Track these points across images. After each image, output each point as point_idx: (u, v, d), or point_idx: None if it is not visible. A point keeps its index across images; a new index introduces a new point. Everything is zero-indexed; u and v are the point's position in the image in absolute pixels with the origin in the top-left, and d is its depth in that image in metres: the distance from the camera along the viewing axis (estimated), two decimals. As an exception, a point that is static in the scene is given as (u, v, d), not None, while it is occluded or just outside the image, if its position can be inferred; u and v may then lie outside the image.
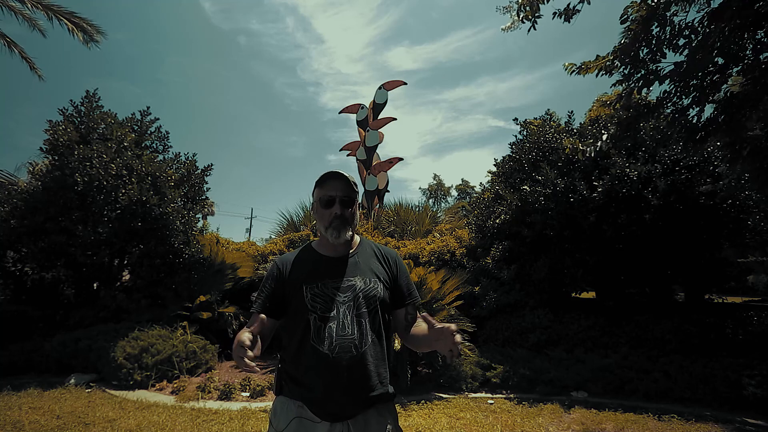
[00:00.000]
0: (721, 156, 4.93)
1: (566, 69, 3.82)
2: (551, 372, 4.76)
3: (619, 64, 3.60)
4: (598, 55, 3.74)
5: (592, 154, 4.36)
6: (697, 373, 4.38)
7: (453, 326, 1.09)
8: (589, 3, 3.47)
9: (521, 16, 3.61)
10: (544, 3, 3.53)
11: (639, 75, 3.54)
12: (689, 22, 3.26)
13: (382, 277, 1.37)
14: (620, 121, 4.20)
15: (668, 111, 3.81)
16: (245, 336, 1.01)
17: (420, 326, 1.37)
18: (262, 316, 1.18)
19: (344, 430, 1.22)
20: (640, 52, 3.47)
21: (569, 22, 3.61)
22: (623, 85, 3.72)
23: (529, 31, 3.66)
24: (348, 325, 1.25)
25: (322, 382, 1.22)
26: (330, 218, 1.33)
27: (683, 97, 3.57)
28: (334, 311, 1.26)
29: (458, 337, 1.07)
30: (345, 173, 1.35)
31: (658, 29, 3.35)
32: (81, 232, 5.62)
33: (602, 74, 3.71)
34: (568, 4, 3.57)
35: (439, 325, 1.12)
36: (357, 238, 1.46)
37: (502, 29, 3.81)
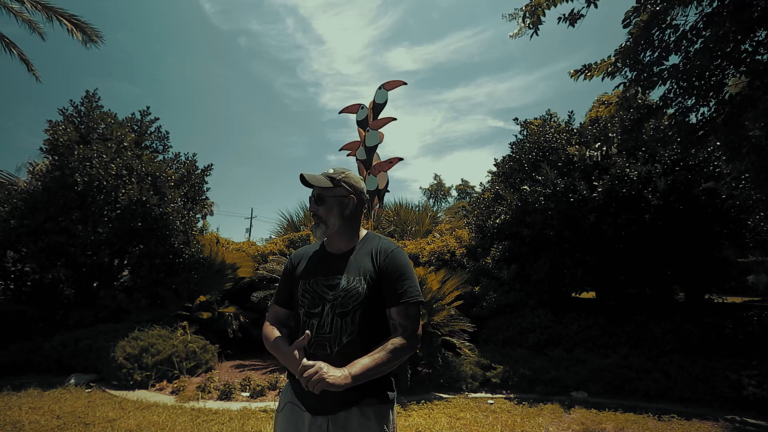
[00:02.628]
0: (720, 154, 4.95)
1: (571, 76, 3.85)
2: (551, 372, 4.76)
3: (621, 67, 3.62)
4: (602, 59, 3.76)
5: (599, 159, 4.40)
6: (697, 373, 4.38)
7: (312, 370, 1.10)
8: (596, 6, 3.48)
9: (527, 23, 3.64)
10: (549, 9, 3.54)
11: (642, 77, 3.55)
12: (691, 25, 3.28)
13: (367, 276, 1.32)
14: (623, 125, 4.22)
15: (671, 112, 3.82)
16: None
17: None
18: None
19: (324, 425, 1.26)
20: (643, 54, 3.48)
21: (574, 26, 3.62)
22: (625, 87, 3.74)
23: (531, 37, 3.69)
24: (327, 324, 1.28)
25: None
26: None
27: (686, 97, 3.58)
28: (319, 308, 1.31)
29: (312, 381, 1.09)
30: (309, 174, 1.38)
31: (659, 32, 3.36)
32: (81, 232, 5.62)
33: (606, 78, 3.73)
34: (573, 9, 3.58)
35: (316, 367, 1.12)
36: (363, 232, 1.47)
37: (509, 36, 3.84)
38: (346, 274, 1.34)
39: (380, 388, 1.30)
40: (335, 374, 1.10)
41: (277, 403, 1.48)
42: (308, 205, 1.45)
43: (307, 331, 1.25)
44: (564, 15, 3.59)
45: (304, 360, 1.15)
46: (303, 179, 1.38)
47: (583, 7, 3.53)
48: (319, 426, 1.25)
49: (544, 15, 3.57)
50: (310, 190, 1.42)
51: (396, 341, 1.24)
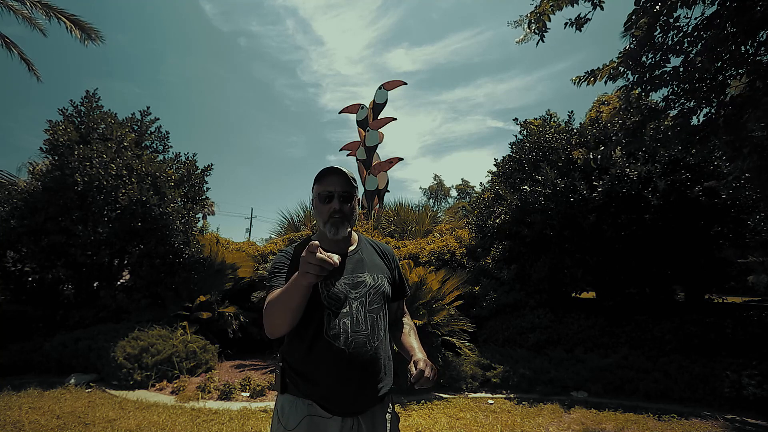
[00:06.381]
0: (721, 154, 4.95)
1: (574, 82, 3.86)
2: (551, 372, 4.76)
3: (624, 70, 3.63)
4: (604, 64, 3.77)
5: (599, 162, 4.42)
6: (697, 373, 4.38)
7: (430, 374, 1.17)
8: (602, 9, 3.48)
9: (533, 28, 3.65)
10: (554, 14, 3.55)
11: (644, 79, 3.56)
12: (693, 26, 3.28)
13: (386, 274, 1.41)
14: (626, 128, 4.22)
15: (673, 113, 3.83)
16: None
17: (408, 336, 1.46)
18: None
19: (354, 425, 1.23)
20: (645, 57, 3.49)
21: (581, 30, 3.62)
22: (627, 89, 3.74)
23: (537, 44, 3.70)
24: (362, 321, 1.27)
25: (336, 377, 1.22)
26: (328, 214, 1.32)
27: (688, 99, 3.59)
28: (347, 307, 1.27)
29: (424, 381, 1.16)
30: (344, 169, 1.35)
31: (661, 35, 3.36)
32: (81, 232, 5.62)
33: (609, 82, 3.75)
34: (579, 14, 3.58)
35: (420, 366, 1.18)
36: (354, 234, 1.46)
37: (516, 41, 3.86)
38: (368, 272, 1.36)
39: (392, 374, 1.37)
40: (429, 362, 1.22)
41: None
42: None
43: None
44: (570, 20, 3.59)
45: (411, 365, 1.21)
46: (337, 172, 1.33)
47: (589, 11, 3.54)
48: (350, 428, 1.22)
49: (549, 20, 3.58)
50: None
51: (411, 323, 1.53)
